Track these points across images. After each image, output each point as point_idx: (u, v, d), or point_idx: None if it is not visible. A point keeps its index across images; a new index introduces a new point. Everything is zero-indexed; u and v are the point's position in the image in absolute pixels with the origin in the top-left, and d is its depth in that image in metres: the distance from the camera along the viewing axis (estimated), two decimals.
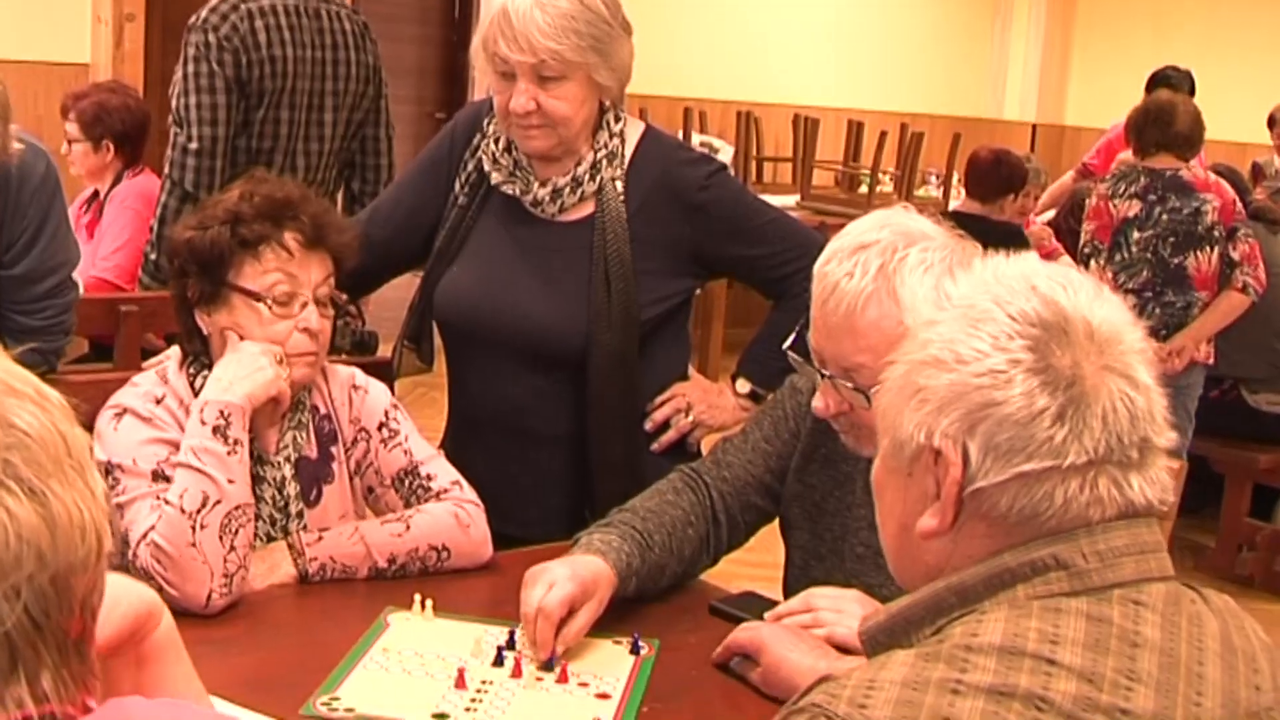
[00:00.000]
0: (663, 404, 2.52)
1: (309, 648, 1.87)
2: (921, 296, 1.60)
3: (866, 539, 1.98)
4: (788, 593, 2.05)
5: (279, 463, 2.14)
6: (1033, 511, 1.11)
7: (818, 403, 1.90)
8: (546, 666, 1.85)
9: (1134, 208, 4.95)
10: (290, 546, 2.11)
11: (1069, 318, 1.13)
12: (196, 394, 2.08)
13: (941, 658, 1.05)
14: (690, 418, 2.53)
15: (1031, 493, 1.11)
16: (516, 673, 1.81)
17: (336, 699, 1.71)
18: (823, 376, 1.89)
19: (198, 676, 1.26)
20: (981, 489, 1.11)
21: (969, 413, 1.11)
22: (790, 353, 1.94)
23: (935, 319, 1.16)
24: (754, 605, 2.04)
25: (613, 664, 1.85)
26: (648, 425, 2.52)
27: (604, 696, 1.77)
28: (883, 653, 1.11)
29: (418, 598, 1.99)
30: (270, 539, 2.12)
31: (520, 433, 2.46)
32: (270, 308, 2.07)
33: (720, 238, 2.43)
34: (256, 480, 2.09)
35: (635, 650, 1.91)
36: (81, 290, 3.60)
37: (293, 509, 2.14)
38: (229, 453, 2.00)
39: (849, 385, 1.85)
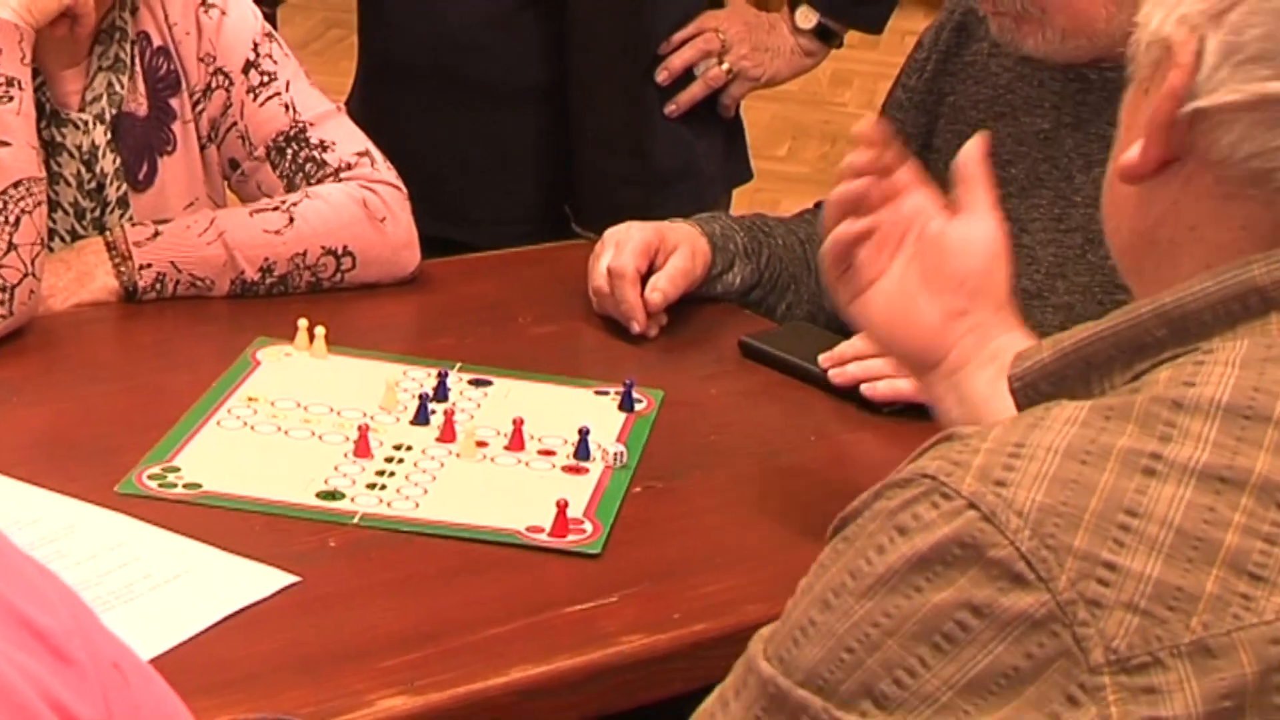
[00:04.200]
0: (684, 43, 2.24)
1: (134, 397, 1.68)
2: None
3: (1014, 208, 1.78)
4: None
5: (87, 123, 1.87)
6: (1266, 167, 0.90)
7: None
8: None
9: None
10: (110, 247, 1.85)
11: None
12: None
13: (1132, 415, 0.87)
14: (725, 64, 2.24)
15: (1275, 135, 0.90)
16: (447, 435, 1.59)
17: (173, 470, 1.50)
18: None
19: None
20: (1203, 111, 0.92)
21: None
22: None
23: None
24: (803, 341, 1.82)
25: (592, 423, 1.64)
26: (660, 75, 2.22)
27: (576, 471, 1.57)
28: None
29: (303, 324, 1.77)
30: (78, 237, 1.89)
31: (468, 85, 2.19)
32: None
33: None
34: (51, 150, 1.83)
35: (628, 405, 1.70)
36: None
37: (111, 193, 1.88)
38: None
39: None
